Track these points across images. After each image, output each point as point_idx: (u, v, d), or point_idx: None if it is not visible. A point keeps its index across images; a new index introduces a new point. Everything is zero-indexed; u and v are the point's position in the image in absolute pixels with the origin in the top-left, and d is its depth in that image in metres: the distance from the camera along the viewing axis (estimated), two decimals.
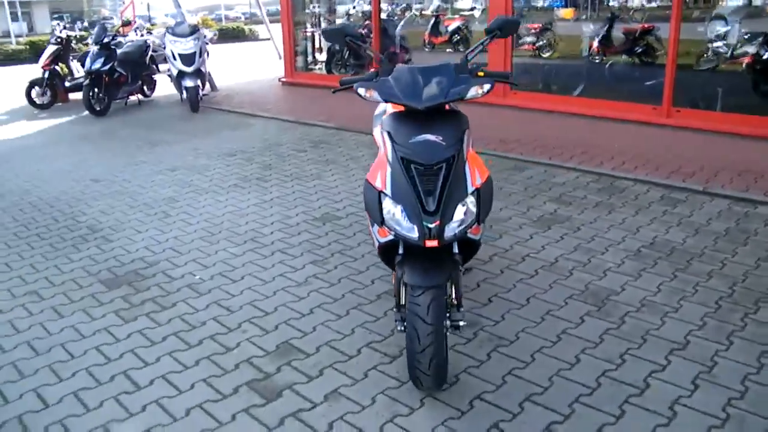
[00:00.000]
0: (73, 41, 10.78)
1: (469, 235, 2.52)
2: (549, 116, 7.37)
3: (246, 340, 3.11)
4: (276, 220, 4.70)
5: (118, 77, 9.34)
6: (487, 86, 2.62)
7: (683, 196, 4.78)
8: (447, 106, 2.74)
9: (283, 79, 11.42)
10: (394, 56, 10.33)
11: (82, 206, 5.21)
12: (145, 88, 10.38)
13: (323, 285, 3.65)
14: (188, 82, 9.18)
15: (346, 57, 10.86)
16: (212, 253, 4.17)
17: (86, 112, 9.12)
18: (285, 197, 5.22)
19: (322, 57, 11.47)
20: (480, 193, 2.50)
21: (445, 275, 2.44)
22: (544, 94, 8.07)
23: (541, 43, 9.55)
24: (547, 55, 9.58)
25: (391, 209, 2.46)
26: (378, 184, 2.52)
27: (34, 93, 9.65)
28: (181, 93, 9.46)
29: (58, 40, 9.78)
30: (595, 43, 8.71)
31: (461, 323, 2.62)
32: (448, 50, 10.85)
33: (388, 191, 2.48)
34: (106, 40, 9.02)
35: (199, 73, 9.38)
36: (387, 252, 2.67)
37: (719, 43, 7.27)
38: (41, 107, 9.73)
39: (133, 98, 10.14)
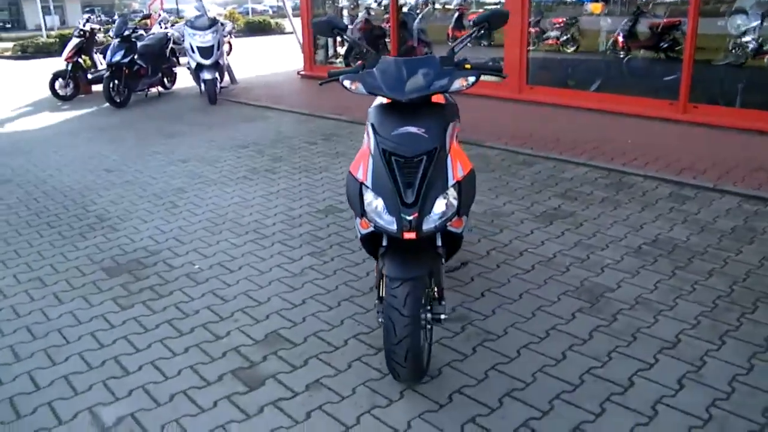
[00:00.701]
0: (97, 34, 10.95)
1: (449, 228, 2.51)
2: (565, 111, 7.28)
3: (236, 329, 3.15)
4: (279, 212, 4.74)
5: (138, 69, 9.47)
6: (471, 79, 2.60)
7: (693, 193, 4.69)
8: (434, 98, 2.72)
9: (302, 72, 11.46)
10: (411, 50, 10.29)
11: (93, 196, 5.31)
12: (165, 80, 10.52)
13: (318, 276, 3.67)
14: (206, 75, 9.28)
15: (365, 51, 10.85)
16: (213, 243, 4.22)
17: (107, 104, 9.27)
18: (291, 189, 5.25)
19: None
20: (461, 185, 2.48)
21: (424, 268, 2.44)
22: (561, 89, 7.97)
23: (565, 37, 9.42)
24: (571, 50, 9.44)
25: (372, 201, 2.46)
26: (360, 176, 2.53)
27: (57, 85, 9.84)
28: (200, 85, 9.56)
29: (81, 33, 9.96)
30: (620, 38, 8.55)
31: (442, 316, 2.62)
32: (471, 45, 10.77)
33: (369, 183, 2.48)
34: (126, 33, 9.16)
35: (217, 66, 9.46)
36: (370, 243, 2.67)
37: (741, 38, 7.09)
38: (64, 99, 9.92)
39: (153, 90, 10.29)
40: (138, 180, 5.71)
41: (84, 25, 10.06)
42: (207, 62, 9.27)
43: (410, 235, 2.38)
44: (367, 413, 2.47)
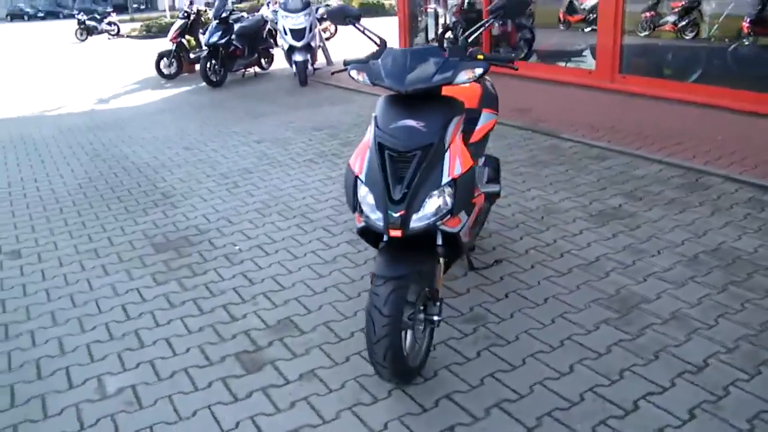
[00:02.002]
0: (203, 16, 11.49)
1: (442, 227, 2.40)
2: (657, 104, 6.75)
3: (253, 312, 3.21)
4: (332, 197, 4.77)
5: (234, 50, 9.85)
6: (478, 70, 2.46)
7: None
8: (448, 91, 2.61)
9: None
10: (506, 35, 9.94)
11: (165, 172, 5.60)
12: (262, 61, 10.87)
13: (348, 265, 3.66)
14: (297, 57, 9.48)
15: (459, 34, 10.62)
16: (260, 225, 4.33)
17: (204, 83, 9.73)
18: None
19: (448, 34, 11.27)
20: (457, 184, 2.36)
21: (411, 267, 2.35)
22: (657, 79, 7.39)
23: (683, 23, 8.70)
24: (690, 35, 8.71)
25: (365, 195, 2.40)
26: (356, 169, 2.48)
27: (162, 64, 10.47)
28: (292, 66, 9.80)
29: (186, 14, 10.49)
30: (746, 23, 7.75)
31: (435, 318, 2.53)
32: (584, 29, 10.23)
33: (363, 177, 2.42)
34: (224, 15, 9.54)
35: (308, 48, 9.64)
36: (368, 238, 2.62)
37: None
38: (167, 77, 10.53)
39: (250, 70, 10.67)
40: (210, 159, 5.96)
41: (188, 7, 10.59)
42: (299, 44, 9.46)
43: (396, 233, 2.31)
44: (349, 409, 2.45)
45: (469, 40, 2.62)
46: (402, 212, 2.29)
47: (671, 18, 8.68)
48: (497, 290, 3.28)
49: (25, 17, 48.76)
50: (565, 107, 6.92)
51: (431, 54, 2.49)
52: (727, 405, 2.35)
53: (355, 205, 2.44)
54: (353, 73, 2.61)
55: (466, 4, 10.38)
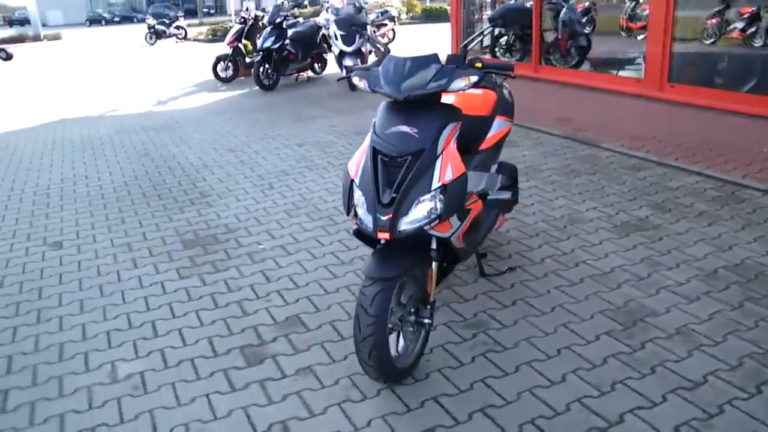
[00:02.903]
0: (261, 21, 11.84)
1: (431, 231, 2.45)
2: (707, 114, 6.50)
3: (265, 308, 3.34)
4: None
5: (287, 55, 10.12)
6: (473, 78, 2.50)
7: None
8: (452, 98, 2.66)
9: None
10: (556, 43, 9.78)
11: (206, 173, 5.84)
12: (315, 65, 11.11)
13: (362, 267, 3.73)
14: (347, 61, 9.65)
15: (512, 41, 10.52)
16: (287, 225, 4.47)
17: (257, 87, 10.03)
18: None
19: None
20: (447, 189, 2.41)
21: (401, 270, 2.41)
22: (708, 88, 7.13)
23: (752, 29, 8.36)
24: (759, 43, 8.38)
25: (358, 198, 2.48)
26: (352, 173, 2.55)
27: (219, 67, 10.86)
28: (343, 71, 9.97)
29: (243, 20, 10.85)
30: None
31: (426, 321, 2.57)
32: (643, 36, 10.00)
33: (357, 180, 2.50)
34: (278, 20, 9.82)
35: (359, 53, 9.79)
36: (364, 240, 2.69)
37: None
38: (224, 80, 10.91)
39: (303, 75, 10.93)
40: (251, 160, 6.17)
41: (245, 12, 10.94)
42: (349, 49, 9.63)
43: (384, 236, 2.37)
44: (337, 405, 2.52)
45: (468, 48, 2.66)
46: (390, 215, 2.35)
47: (740, 24, 8.35)
48: (505, 297, 3.29)
49: (103, 22, 51.47)
50: (609, 116, 6.79)
51: (429, 62, 2.55)
52: (718, 424, 2.30)
53: (350, 208, 2.52)
54: (355, 79, 2.70)
55: None
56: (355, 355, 2.79)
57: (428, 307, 2.57)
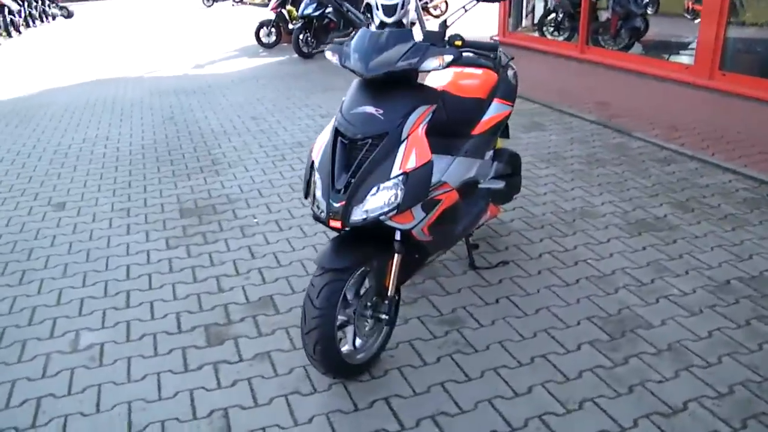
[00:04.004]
0: None
1: (389, 222, 2.27)
2: (756, 105, 6.03)
3: (241, 286, 3.25)
4: None
5: (328, 23, 9.93)
6: (448, 57, 2.30)
7: None
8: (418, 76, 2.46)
9: (495, 38, 11.01)
10: (607, 22, 9.22)
11: (223, 140, 5.78)
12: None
13: None
14: None
15: (560, 18, 10.02)
16: (287, 200, 4.36)
17: (296, 54, 9.91)
18: None
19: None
20: (408, 178, 2.22)
21: (354, 261, 2.26)
22: (763, 78, 6.60)
23: None
24: None
25: (316, 182, 2.32)
26: (314, 155, 2.39)
27: (261, 33, 10.79)
28: None
29: None
30: None
31: (383, 317, 2.42)
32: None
33: (317, 163, 2.34)
34: None
35: (400, 25, 9.49)
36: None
37: None
38: (266, 46, 10.84)
39: None
40: (271, 129, 6.07)
41: None
42: (389, 20, 9.26)
43: (336, 224, 2.21)
44: (284, 397, 2.42)
45: (448, 24, 2.44)
46: (342, 203, 2.19)
47: None
48: (489, 293, 3.09)
49: None
50: (650, 104, 6.37)
51: (402, 38, 2.36)
52: None
53: (308, 192, 2.37)
54: (328, 54, 2.53)
55: None
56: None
57: (386, 302, 2.41)
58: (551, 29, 10.16)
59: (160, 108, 7.13)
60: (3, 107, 7.53)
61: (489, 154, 3.17)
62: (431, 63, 2.30)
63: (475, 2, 2.51)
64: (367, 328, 2.46)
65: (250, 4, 21.82)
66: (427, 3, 15.68)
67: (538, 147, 5.25)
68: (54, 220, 4.11)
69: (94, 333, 2.87)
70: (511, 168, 3.33)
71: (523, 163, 4.82)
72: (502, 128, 3.24)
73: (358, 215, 2.20)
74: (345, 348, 2.46)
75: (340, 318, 2.40)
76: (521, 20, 11.21)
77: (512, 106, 3.22)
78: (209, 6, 23.22)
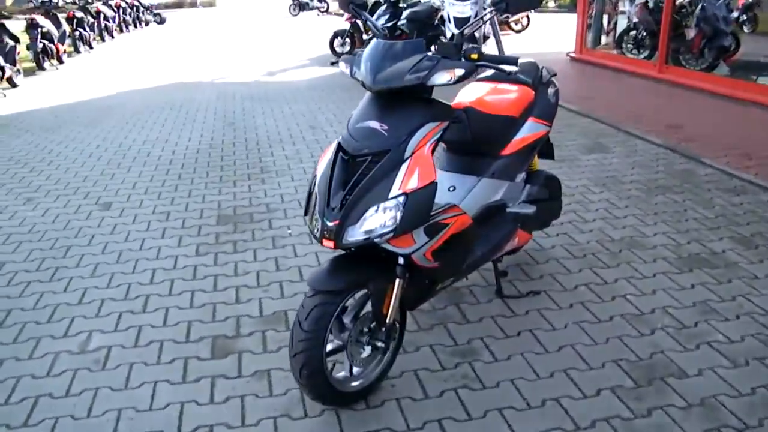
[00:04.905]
0: None
1: (386, 246, 2.14)
2: None
3: (259, 298, 3.19)
4: None
5: (400, 35, 9.81)
6: (459, 72, 2.16)
7: None
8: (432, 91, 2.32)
9: (572, 55, 10.65)
10: (686, 41, 8.65)
11: (277, 147, 5.81)
12: (432, 48, 10.76)
13: None
14: None
15: (641, 36, 9.53)
16: None
17: None
18: None
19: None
20: (408, 199, 2.08)
21: (349, 284, 2.14)
22: None
23: None
24: None
25: (315, 198, 2.22)
26: (317, 169, 2.30)
27: (336, 42, 10.89)
28: None
29: None
30: None
31: (380, 345, 2.28)
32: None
33: (318, 178, 2.24)
34: None
35: (472, 38, 9.34)
36: None
37: None
38: (339, 56, 10.89)
39: None
40: (326, 139, 6.05)
41: None
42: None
43: (328, 244, 2.11)
44: (273, 419, 2.32)
45: (464, 34, 2.29)
46: (336, 222, 2.08)
47: None
48: (512, 325, 2.89)
49: None
50: (727, 128, 5.92)
51: (413, 49, 2.23)
52: None
53: (308, 208, 2.27)
54: (342, 65, 2.43)
55: (651, 2, 9.27)
56: None
57: (384, 329, 2.27)
58: (630, 47, 9.70)
59: (223, 113, 7.28)
60: (78, 108, 7.92)
61: (521, 176, 2.97)
62: (441, 77, 2.17)
63: (492, 13, 2.34)
64: (363, 355, 2.32)
65: (335, 14, 22.20)
66: (508, 17, 15.39)
67: (595, 170, 4.95)
68: (97, 220, 4.22)
69: (105, 335, 2.88)
70: (547, 192, 3.11)
71: (577, 186, 4.59)
72: (537, 149, 3.04)
73: (351, 236, 2.09)
74: (340, 374, 2.35)
75: (336, 342, 2.29)
76: (601, 37, 10.80)
77: (550, 126, 3.02)
78: (295, 15, 23.81)
